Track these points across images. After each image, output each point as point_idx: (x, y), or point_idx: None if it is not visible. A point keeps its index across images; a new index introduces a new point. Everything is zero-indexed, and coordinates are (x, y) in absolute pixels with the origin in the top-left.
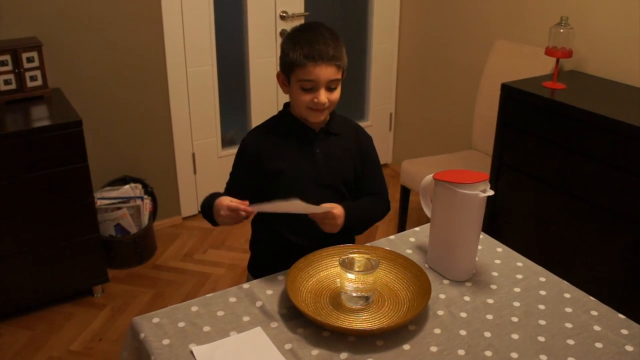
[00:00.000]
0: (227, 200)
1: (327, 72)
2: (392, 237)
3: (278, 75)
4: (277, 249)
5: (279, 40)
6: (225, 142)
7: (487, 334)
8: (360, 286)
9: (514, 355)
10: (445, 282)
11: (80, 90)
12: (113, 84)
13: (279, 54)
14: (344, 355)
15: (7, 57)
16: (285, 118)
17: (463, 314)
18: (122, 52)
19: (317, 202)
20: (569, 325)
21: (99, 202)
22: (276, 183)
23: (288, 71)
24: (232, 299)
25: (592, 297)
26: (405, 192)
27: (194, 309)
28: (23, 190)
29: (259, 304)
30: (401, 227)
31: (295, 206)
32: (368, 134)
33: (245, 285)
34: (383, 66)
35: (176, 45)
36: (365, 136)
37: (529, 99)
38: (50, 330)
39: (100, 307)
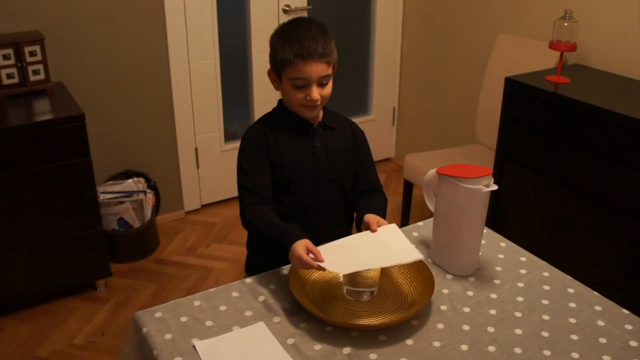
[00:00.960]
0: (302, 250)
1: (317, 69)
2: None
3: (269, 73)
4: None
5: None
6: (228, 136)
7: (491, 329)
8: (363, 281)
9: (518, 350)
10: (449, 277)
11: (82, 84)
12: (116, 78)
13: None
14: (346, 350)
15: (10, 51)
16: (281, 113)
17: (466, 309)
18: (125, 46)
19: (319, 197)
20: (572, 320)
21: (101, 196)
22: (278, 176)
23: (279, 69)
24: (235, 294)
25: (595, 292)
26: (409, 186)
27: (197, 303)
28: (25, 184)
29: (261, 298)
30: (404, 221)
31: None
32: (361, 128)
33: (248, 280)
34: (386, 60)
35: (179, 38)
36: (359, 131)
37: (533, 92)
38: (53, 324)
39: (103, 301)
